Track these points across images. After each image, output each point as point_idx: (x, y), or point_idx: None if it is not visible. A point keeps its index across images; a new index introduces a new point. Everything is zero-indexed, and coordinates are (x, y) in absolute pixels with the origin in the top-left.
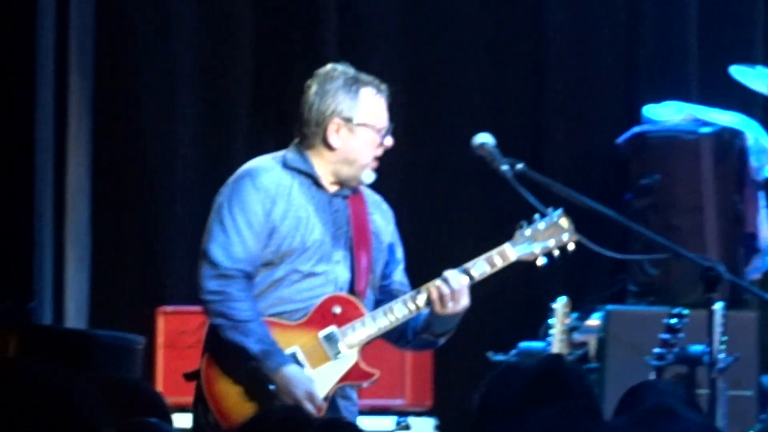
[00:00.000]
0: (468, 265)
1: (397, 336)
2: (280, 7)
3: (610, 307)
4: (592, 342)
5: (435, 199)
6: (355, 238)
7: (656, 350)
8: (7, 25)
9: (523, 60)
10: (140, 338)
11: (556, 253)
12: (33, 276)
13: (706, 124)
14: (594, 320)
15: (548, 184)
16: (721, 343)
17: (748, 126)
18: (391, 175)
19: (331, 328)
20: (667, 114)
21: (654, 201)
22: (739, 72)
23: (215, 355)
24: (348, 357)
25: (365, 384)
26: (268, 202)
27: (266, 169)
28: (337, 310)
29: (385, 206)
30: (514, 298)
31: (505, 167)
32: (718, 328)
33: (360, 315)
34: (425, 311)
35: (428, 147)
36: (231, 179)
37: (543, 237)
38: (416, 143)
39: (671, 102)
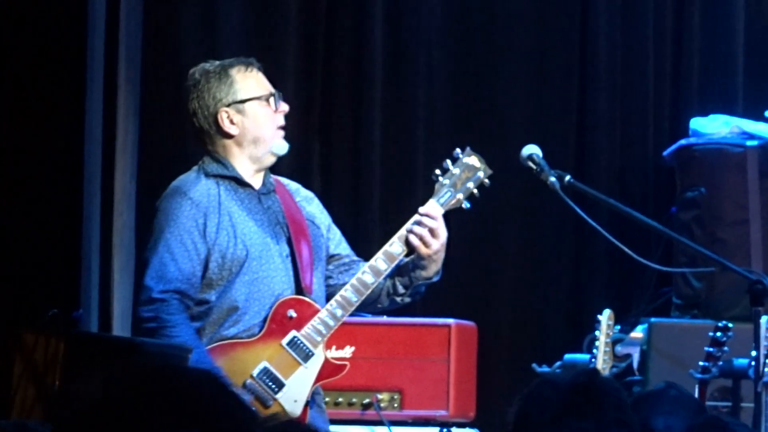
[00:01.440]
0: (399, 233)
1: (371, 302)
2: (327, 17)
3: (653, 319)
4: (636, 354)
5: (479, 207)
6: (293, 232)
7: (700, 363)
8: (58, 36)
9: (568, 70)
10: (188, 347)
11: (476, 192)
12: (80, 283)
13: (752, 137)
14: (638, 333)
15: (596, 196)
16: (767, 356)
17: None
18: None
19: (292, 333)
20: (713, 127)
21: (699, 214)
22: None
23: None
24: (317, 356)
25: (337, 377)
26: (201, 217)
27: (193, 182)
28: (292, 313)
29: (304, 190)
30: (560, 310)
31: (552, 179)
32: (763, 342)
33: (315, 312)
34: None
35: None
36: (161, 198)
37: (462, 181)
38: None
39: (718, 115)
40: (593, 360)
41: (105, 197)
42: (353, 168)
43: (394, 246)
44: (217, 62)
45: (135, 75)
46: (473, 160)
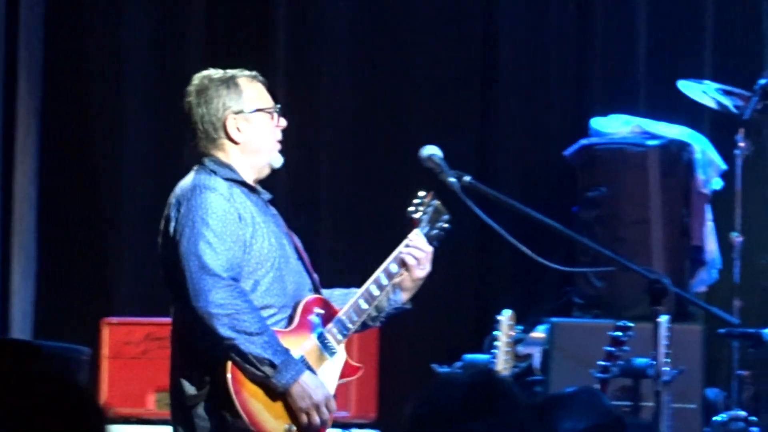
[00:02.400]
0: (394, 255)
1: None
2: (232, 24)
3: (555, 319)
4: (538, 354)
5: (381, 205)
6: (293, 238)
7: (601, 363)
8: None
9: (472, 71)
10: (86, 349)
11: (442, 235)
12: None
13: (653, 136)
14: (539, 333)
15: (495, 196)
16: (666, 356)
17: (695, 139)
18: (338, 182)
19: (319, 329)
20: (614, 126)
21: (601, 213)
22: (686, 86)
23: (236, 364)
24: (339, 354)
25: (354, 377)
26: (234, 210)
27: (213, 181)
28: (319, 311)
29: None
30: (462, 310)
31: (452, 179)
32: (663, 341)
33: (335, 312)
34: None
35: (376, 156)
36: (183, 193)
37: (434, 220)
38: (364, 153)
39: (619, 115)
40: (493, 360)
41: (4, 200)
42: None
43: (392, 266)
44: (222, 70)
45: (36, 76)
46: (439, 206)
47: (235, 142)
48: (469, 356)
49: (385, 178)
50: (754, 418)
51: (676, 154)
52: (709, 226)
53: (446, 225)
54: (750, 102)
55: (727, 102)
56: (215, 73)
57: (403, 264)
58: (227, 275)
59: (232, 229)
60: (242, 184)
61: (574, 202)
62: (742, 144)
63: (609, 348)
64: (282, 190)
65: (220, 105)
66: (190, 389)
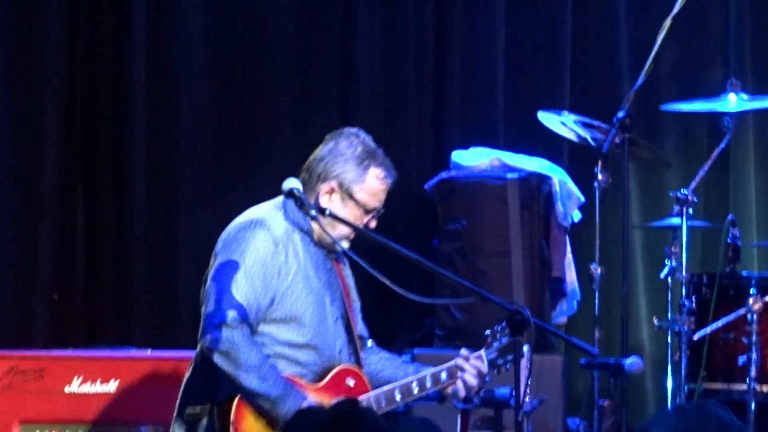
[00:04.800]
0: (450, 365)
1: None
2: (86, 51)
3: (416, 350)
4: None
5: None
6: (347, 301)
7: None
8: None
9: (330, 105)
10: None
11: (507, 368)
12: None
13: (512, 170)
14: None
15: (356, 228)
16: (527, 386)
17: (554, 171)
18: (198, 189)
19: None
20: (474, 159)
21: (461, 246)
22: (545, 118)
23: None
24: None
25: None
26: (279, 255)
27: (274, 219)
28: (351, 382)
29: (346, 259)
30: None
31: (313, 212)
32: (524, 372)
33: (366, 390)
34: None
35: (234, 179)
36: (237, 226)
37: (503, 352)
38: (222, 178)
39: (479, 148)
40: None
41: None
42: (117, 195)
43: (443, 374)
44: (373, 145)
45: None
46: (514, 343)
47: (319, 205)
48: None
49: (243, 204)
50: None
51: (535, 187)
52: (569, 257)
53: (510, 362)
54: (608, 135)
55: (586, 134)
56: (368, 143)
57: (452, 377)
58: (237, 316)
59: (265, 271)
60: (306, 232)
61: (434, 235)
62: (600, 176)
63: None
64: (141, 217)
65: (339, 169)
66: (193, 407)
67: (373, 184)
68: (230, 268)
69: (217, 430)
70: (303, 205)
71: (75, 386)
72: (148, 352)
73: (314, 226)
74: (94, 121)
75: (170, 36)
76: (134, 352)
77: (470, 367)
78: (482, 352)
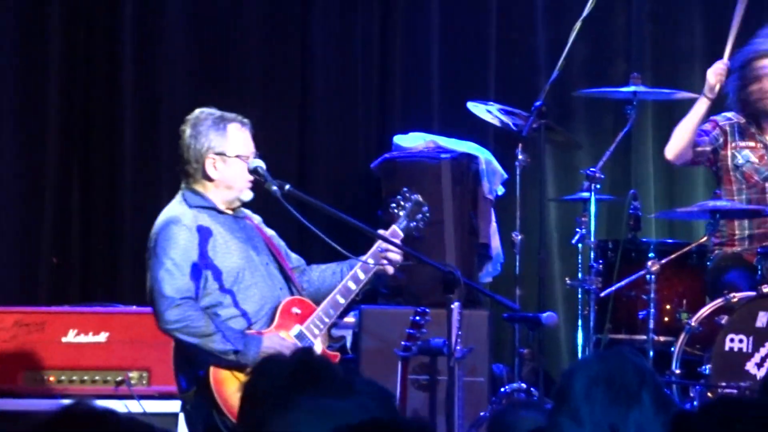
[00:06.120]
0: (372, 251)
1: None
2: (85, 67)
3: (364, 306)
4: (349, 336)
5: None
6: (270, 246)
7: (403, 343)
8: None
9: (292, 94)
10: None
11: (422, 226)
12: None
13: (445, 151)
14: (350, 318)
15: (311, 202)
16: (458, 336)
17: (481, 152)
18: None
19: (297, 327)
20: (413, 142)
21: None
22: (474, 107)
23: (215, 363)
24: (317, 347)
25: None
26: (195, 239)
27: (181, 213)
28: (297, 310)
29: (260, 220)
30: None
31: (274, 188)
32: (455, 324)
33: (313, 310)
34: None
35: None
36: (157, 229)
37: (413, 213)
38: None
39: (416, 132)
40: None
41: None
42: (109, 174)
43: (370, 260)
44: (218, 112)
45: None
46: (419, 198)
47: (210, 179)
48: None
49: None
50: (533, 389)
51: (465, 166)
52: (494, 226)
53: (426, 215)
54: (528, 121)
55: (508, 120)
56: (214, 112)
57: (378, 260)
58: (180, 296)
59: (188, 256)
60: (211, 208)
61: (379, 207)
62: (521, 156)
63: (410, 330)
64: (129, 212)
65: (206, 143)
66: (184, 385)
67: (236, 136)
68: (162, 264)
69: (206, 403)
70: (266, 181)
71: (71, 337)
72: (134, 308)
73: (213, 200)
74: (89, 101)
75: (156, 50)
76: (122, 308)
77: (389, 245)
78: (394, 226)
